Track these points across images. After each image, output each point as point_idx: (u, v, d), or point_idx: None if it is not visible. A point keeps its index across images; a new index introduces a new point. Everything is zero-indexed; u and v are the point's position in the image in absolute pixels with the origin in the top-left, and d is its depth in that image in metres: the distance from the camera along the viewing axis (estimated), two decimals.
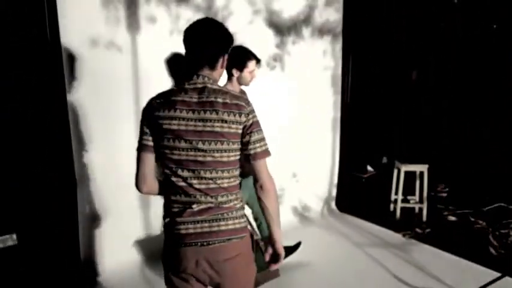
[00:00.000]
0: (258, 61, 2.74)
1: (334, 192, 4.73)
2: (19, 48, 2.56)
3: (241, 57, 2.67)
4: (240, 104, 1.52)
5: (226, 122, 1.49)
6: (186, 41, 1.57)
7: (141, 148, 1.57)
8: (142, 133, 1.57)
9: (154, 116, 1.52)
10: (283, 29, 3.95)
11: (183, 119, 1.49)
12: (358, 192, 4.95)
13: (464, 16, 4.75)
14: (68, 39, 2.73)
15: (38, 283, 2.79)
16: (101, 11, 2.87)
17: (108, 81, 2.94)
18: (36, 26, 2.55)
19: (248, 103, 1.56)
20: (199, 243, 1.52)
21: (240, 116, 1.51)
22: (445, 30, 4.95)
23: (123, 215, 3.19)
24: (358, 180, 4.99)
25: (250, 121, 1.54)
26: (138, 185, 1.61)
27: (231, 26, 3.78)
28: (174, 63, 3.21)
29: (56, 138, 2.75)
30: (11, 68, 2.55)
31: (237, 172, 1.61)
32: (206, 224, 1.52)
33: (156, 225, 3.37)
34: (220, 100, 1.50)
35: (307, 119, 4.32)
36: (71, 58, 2.77)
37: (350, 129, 4.78)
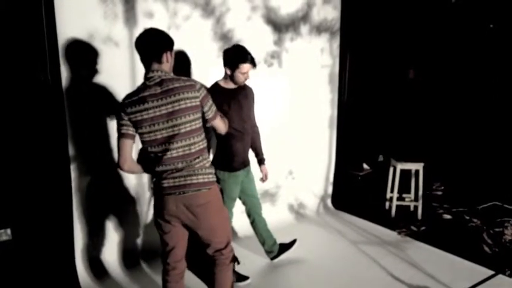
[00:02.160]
0: (254, 65, 2.71)
1: (330, 190, 4.74)
2: (15, 42, 2.55)
3: (234, 58, 2.65)
4: (191, 83, 2.01)
5: (188, 98, 1.97)
6: (136, 47, 2.04)
7: (121, 136, 2.00)
8: (120, 124, 2.00)
9: (129, 112, 1.96)
10: (281, 26, 3.94)
11: (156, 107, 1.95)
12: (354, 190, 4.96)
13: (462, 15, 4.77)
14: (65, 33, 2.72)
15: (33, 278, 2.79)
16: (99, 6, 2.86)
17: (104, 75, 2.93)
18: (33, 20, 2.53)
19: (196, 82, 2.04)
20: (177, 193, 2.02)
21: (195, 92, 2.00)
22: (443, 28, 4.96)
23: (119, 210, 3.19)
24: (354, 178, 5.00)
25: (203, 94, 2.05)
26: (120, 165, 2.04)
27: (229, 22, 3.83)
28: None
29: (52, 133, 2.74)
30: (7, 61, 2.53)
31: (202, 136, 2.09)
32: (182, 179, 2.02)
33: (151, 219, 3.36)
34: (177, 85, 1.97)
35: (304, 116, 4.32)
36: (68, 52, 2.76)
37: (346, 127, 4.79)
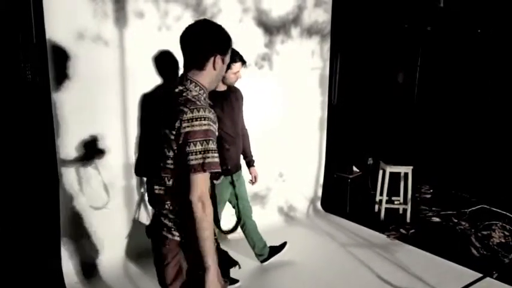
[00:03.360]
0: (244, 63, 2.72)
1: (319, 193, 4.75)
2: (2, 40, 2.50)
3: None
4: (183, 109, 1.41)
5: (162, 125, 1.47)
6: (180, 44, 1.56)
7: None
8: None
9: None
10: (272, 28, 3.94)
11: (154, 120, 1.57)
12: (343, 192, 4.97)
13: (450, 20, 4.83)
14: (53, 32, 2.67)
15: (18, 280, 2.73)
16: (89, 4, 2.82)
17: (94, 75, 2.89)
18: (21, 17, 2.49)
19: (193, 110, 1.41)
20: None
21: (174, 122, 1.41)
22: (431, 33, 5.01)
23: (107, 211, 3.15)
24: (344, 181, 5.01)
25: (185, 129, 1.40)
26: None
27: (220, 23, 3.79)
28: (161, 60, 3.18)
29: (39, 133, 2.70)
30: None
31: (168, 183, 1.52)
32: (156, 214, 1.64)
33: (141, 223, 3.33)
34: (172, 104, 1.47)
35: (295, 118, 4.32)
36: (57, 51, 2.72)
37: (336, 129, 4.81)
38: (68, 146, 2.87)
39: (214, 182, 2.24)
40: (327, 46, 4.52)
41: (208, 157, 1.41)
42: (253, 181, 3.15)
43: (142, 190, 3.27)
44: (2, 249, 2.68)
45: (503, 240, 3.64)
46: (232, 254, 3.39)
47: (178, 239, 1.57)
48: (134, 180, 3.24)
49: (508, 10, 4.34)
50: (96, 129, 2.96)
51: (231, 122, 2.78)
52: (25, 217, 2.74)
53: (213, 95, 2.72)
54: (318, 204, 4.70)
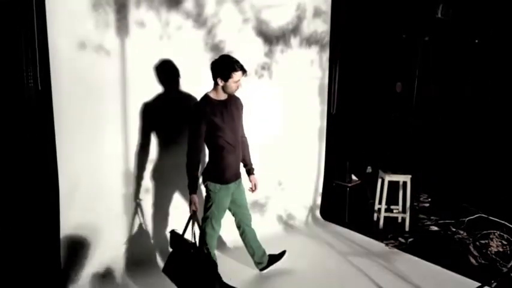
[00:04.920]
0: (244, 72, 2.74)
1: (318, 201, 4.76)
2: (6, 49, 2.54)
3: (226, 68, 2.67)
4: None
5: None
6: None
7: None
8: None
9: None
10: (271, 38, 3.98)
11: None
12: (342, 201, 4.98)
13: (448, 30, 4.88)
14: (56, 41, 2.70)
15: (18, 281, 2.74)
16: (90, 14, 2.86)
17: (95, 84, 2.92)
18: (24, 27, 2.53)
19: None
20: None
21: None
22: (429, 43, 5.07)
23: (107, 221, 3.15)
24: (343, 189, 5.03)
25: None
26: None
27: (220, 33, 3.85)
28: (162, 69, 3.21)
29: (41, 143, 2.72)
30: None
31: None
32: None
33: (139, 232, 3.34)
34: None
35: (294, 127, 4.35)
36: (59, 60, 2.75)
37: (335, 138, 4.83)
38: (69, 154, 2.89)
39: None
40: (326, 56, 4.56)
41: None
42: (252, 189, 3.17)
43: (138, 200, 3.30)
44: (2, 249, 2.69)
45: (500, 250, 3.64)
46: (232, 262, 3.41)
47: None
48: (132, 187, 3.26)
49: (505, 20, 4.40)
50: (96, 135, 2.99)
51: (231, 130, 2.81)
52: (24, 217, 2.75)
53: (214, 104, 2.75)
54: (317, 212, 4.71)
